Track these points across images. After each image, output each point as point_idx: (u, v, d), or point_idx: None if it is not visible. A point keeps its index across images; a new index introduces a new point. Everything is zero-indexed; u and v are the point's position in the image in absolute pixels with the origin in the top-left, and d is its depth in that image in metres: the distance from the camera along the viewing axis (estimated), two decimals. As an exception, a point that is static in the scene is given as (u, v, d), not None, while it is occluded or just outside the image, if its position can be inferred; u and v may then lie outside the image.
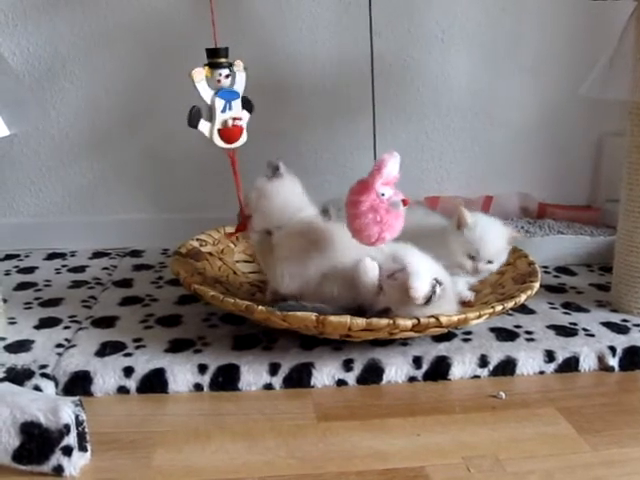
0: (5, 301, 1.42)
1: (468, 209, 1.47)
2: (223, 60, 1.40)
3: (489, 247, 1.43)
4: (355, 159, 1.96)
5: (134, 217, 1.96)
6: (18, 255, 1.86)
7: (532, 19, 1.97)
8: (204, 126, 1.40)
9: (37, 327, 1.39)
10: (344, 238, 1.29)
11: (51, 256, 1.87)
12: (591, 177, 2.12)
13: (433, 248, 1.39)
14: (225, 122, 1.42)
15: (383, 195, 1.22)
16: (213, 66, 1.40)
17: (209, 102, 1.40)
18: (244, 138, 1.46)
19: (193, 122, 1.38)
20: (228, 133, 1.43)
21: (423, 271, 1.25)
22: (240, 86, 1.44)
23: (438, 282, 1.23)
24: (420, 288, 1.22)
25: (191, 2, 1.80)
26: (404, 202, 1.22)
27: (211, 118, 1.41)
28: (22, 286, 1.63)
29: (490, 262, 1.44)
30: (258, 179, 1.37)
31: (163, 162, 1.93)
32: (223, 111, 1.42)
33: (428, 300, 1.22)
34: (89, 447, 1.01)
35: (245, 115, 1.46)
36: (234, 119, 1.43)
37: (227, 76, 1.41)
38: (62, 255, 1.88)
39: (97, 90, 1.87)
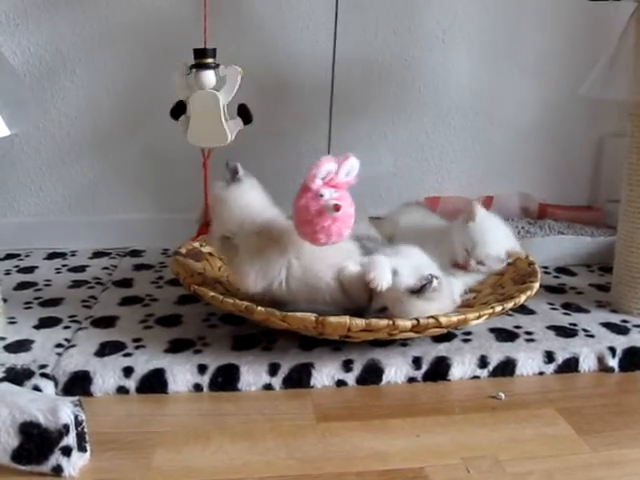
0: (5, 301, 1.43)
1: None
2: (210, 60, 1.39)
3: (485, 247, 1.43)
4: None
5: (134, 217, 1.96)
6: (18, 254, 1.87)
7: (532, 19, 1.97)
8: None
9: (37, 327, 1.39)
10: None
11: (51, 256, 1.87)
12: (591, 177, 2.12)
13: (431, 247, 1.40)
14: None
15: (322, 196, 1.21)
16: (200, 66, 1.39)
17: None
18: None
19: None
20: None
21: (383, 262, 1.27)
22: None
23: (434, 276, 1.23)
24: (378, 277, 1.23)
25: (192, 2, 1.79)
26: (335, 207, 1.18)
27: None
28: (22, 286, 1.63)
29: (481, 263, 1.44)
30: (216, 184, 1.37)
31: (163, 162, 1.93)
32: None
33: (421, 292, 1.22)
34: (88, 447, 1.01)
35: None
36: None
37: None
38: (62, 255, 1.88)
39: (98, 90, 1.87)
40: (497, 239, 1.45)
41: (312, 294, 1.29)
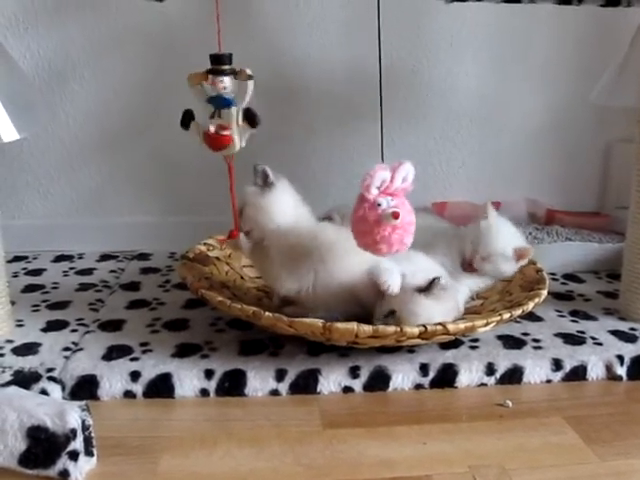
0: (13, 303, 1.43)
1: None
2: (226, 67, 1.39)
3: (490, 243, 1.44)
4: (364, 164, 1.93)
5: (142, 220, 1.96)
6: (26, 257, 1.87)
7: (540, 25, 1.96)
8: (194, 128, 1.41)
9: (44, 330, 1.39)
10: (343, 241, 1.30)
11: (59, 258, 1.87)
12: (600, 183, 2.12)
13: (438, 253, 1.40)
14: (209, 128, 1.40)
15: (380, 205, 1.17)
16: (215, 72, 1.39)
17: (201, 106, 1.40)
18: (235, 148, 1.40)
19: (183, 123, 1.40)
20: (210, 140, 1.41)
21: (392, 267, 1.28)
22: (244, 95, 1.39)
23: (437, 278, 1.24)
24: (390, 281, 1.25)
25: (200, 6, 1.80)
26: (394, 215, 1.15)
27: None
28: (30, 288, 1.64)
29: (485, 260, 1.44)
30: (249, 190, 1.38)
31: (171, 165, 1.94)
32: (211, 117, 1.39)
33: (428, 290, 1.23)
34: (95, 452, 1.01)
35: (245, 127, 1.40)
36: (221, 127, 1.39)
37: (221, 81, 1.38)
38: (70, 257, 1.88)
39: (106, 93, 1.87)
40: (503, 237, 1.46)
41: (334, 302, 1.30)
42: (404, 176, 1.19)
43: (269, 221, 1.35)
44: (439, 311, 1.25)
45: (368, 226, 1.18)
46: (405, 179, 1.20)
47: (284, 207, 1.36)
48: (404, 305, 1.24)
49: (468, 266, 1.46)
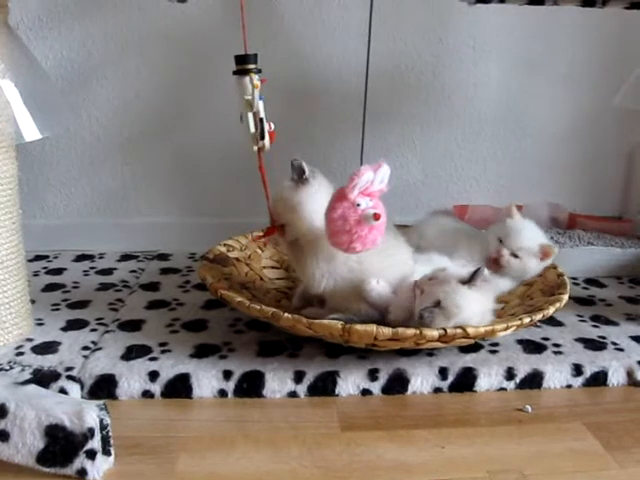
0: (33, 302, 1.43)
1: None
2: (253, 66, 1.40)
3: (519, 237, 1.45)
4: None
5: (162, 220, 1.97)
6: (47, 256, 1.88)
7: (563, 28, 1.95)
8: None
9: (64, 329, 1.40)
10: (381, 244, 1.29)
11: (79, 258, 1.88)
12: (623, 188, 2.10)
13: (459, 256, 1.40)
14: (271, 127, 1.45)
15: (359, 205, 1.21)
16: (246, 72, 1.40)
17: (256, 109, 1.42)
18: None
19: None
20: (272, 136, 1.46)
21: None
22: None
23: (480, 268, 1.24)
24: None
25: (223, 9, 1.80)
26: (375, 216, 1.19)
27: (259, 124, 1.44)
28: (50, 287, 1.64)
29: (515, 256, 1.44)
30: (284, 185, 1.36)
31: (192, 166, 1.94)
32: None
33: (472, 281, 1.22)
34: (113, 451, 1.01)
35: None
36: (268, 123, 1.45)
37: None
38: (90, 257, 1.89)
39: (128, 94, 1.88)
40: (531, 232, 1.47)
41: (358, 303, 1.30)
42: (382, 178, 1.23)
43: (301, 218, 1.32)
44: (481, 302, 1.24)
45: (348, 225, 1.21)
46: (382, 180, 1.24)
47: (317, 205, 1.32)
48: (448, 296, 1.22)
49: (493, 264, 1.44)
